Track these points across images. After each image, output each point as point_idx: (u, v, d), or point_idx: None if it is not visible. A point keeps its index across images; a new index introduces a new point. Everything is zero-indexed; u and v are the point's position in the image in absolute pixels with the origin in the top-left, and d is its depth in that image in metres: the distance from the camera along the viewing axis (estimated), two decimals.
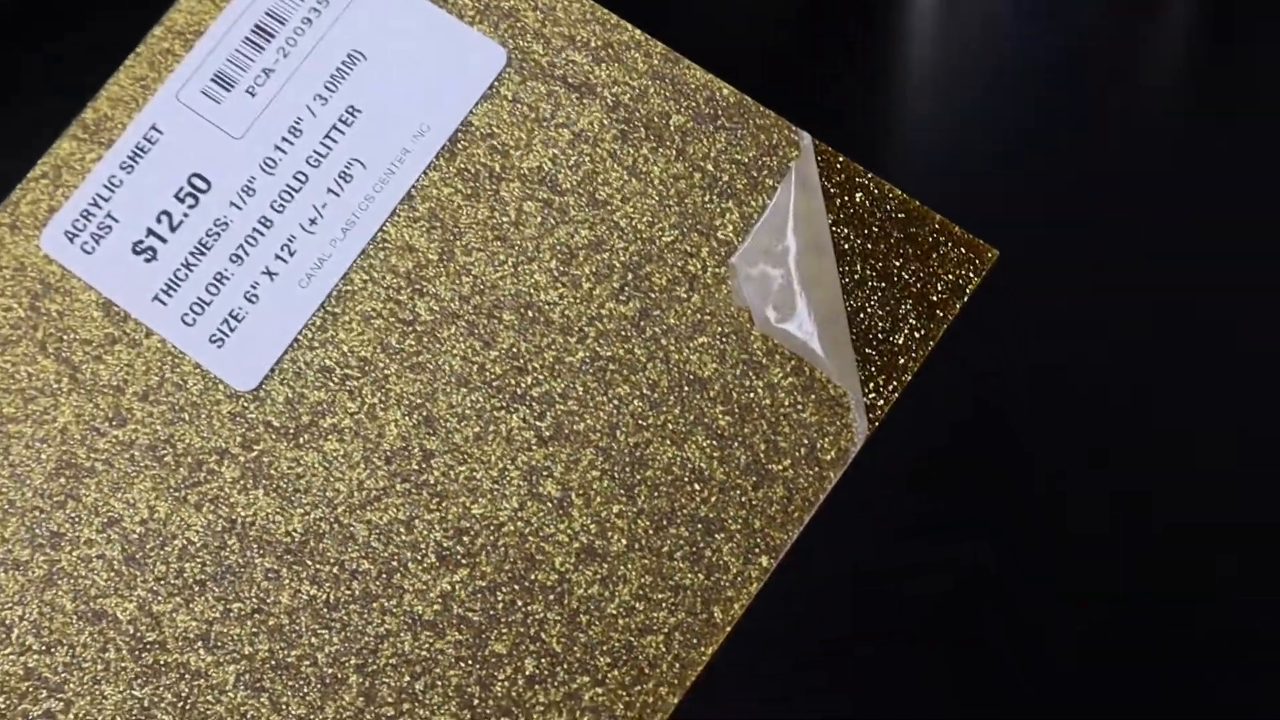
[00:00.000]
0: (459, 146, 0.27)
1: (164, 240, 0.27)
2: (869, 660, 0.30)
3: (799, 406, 0.26)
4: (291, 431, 0.26)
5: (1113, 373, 0.34)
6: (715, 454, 0.25)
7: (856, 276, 0.26)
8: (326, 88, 0.27)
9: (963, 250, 0.26)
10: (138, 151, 0.27)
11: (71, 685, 0.25)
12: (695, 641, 0.25)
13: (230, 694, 0.25)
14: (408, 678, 0.25)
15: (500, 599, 0.25)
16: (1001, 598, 0.32)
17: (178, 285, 0.27)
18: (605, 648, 0.25)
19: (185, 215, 0.27)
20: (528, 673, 0.25)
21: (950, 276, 0.26)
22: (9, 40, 0.30)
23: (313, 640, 0.25)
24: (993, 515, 0.33)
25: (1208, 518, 0.33)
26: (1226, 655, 0.32)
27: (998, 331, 0.34)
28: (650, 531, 0.25)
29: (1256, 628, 0.32)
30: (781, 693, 0.31)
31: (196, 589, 0.25)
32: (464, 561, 0.25)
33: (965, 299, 0.26)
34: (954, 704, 0.31)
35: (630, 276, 0.26)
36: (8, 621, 0.25)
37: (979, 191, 0.36)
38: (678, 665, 0.25)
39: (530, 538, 0.25)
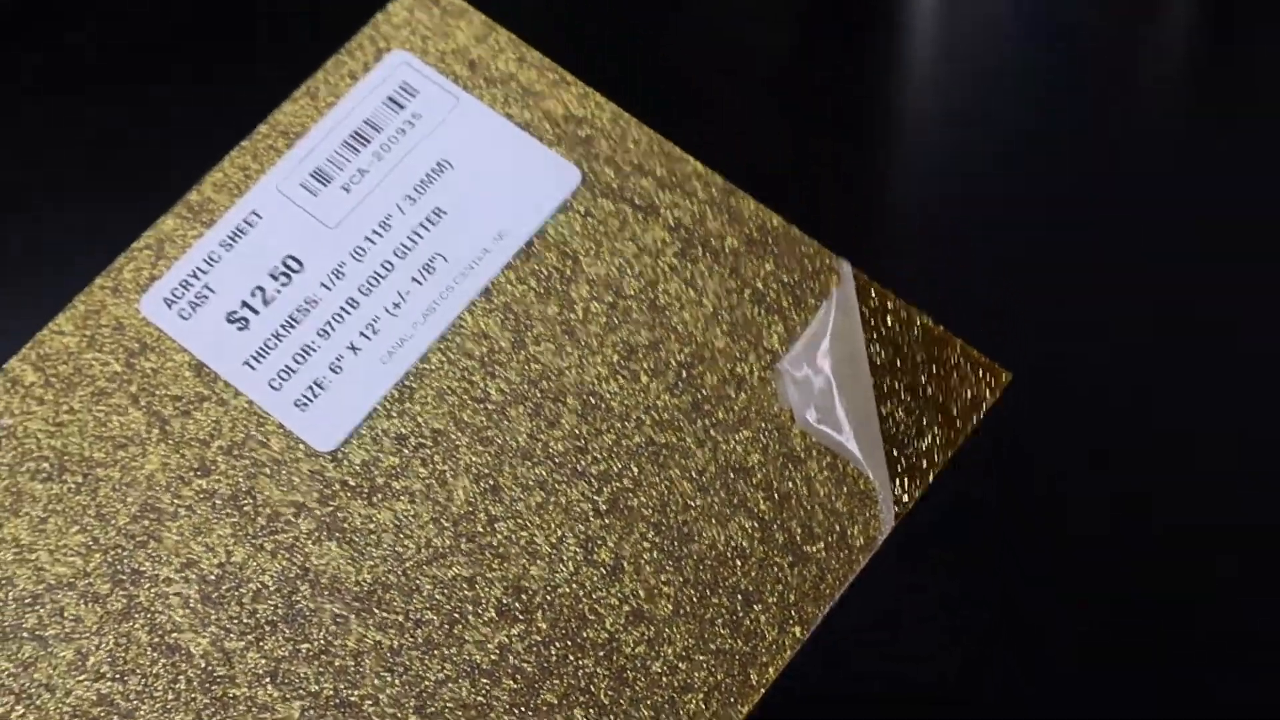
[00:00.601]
0: (534, 250, 0.33)
1: (256, 312, 0.32)
2: (866, 661, 0.33)
3: (833, 497, 0.31)
4: (366, 491, 0.31)
5: (1113, 373, 0.38)
6: (756, 534, 0.31)
7: (886, 389, 0.32)
8: (415, 190, 0.33)
9: (980, 372, 0.32)
10: (237, 232, 0.33)
11: (142, 712, 0.29)
12: (732, 700, 0.30)
13: None
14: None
15: (554, 653, 0.30)
16: (1001, 598, 0.35)
17: (267, 353, 0.32)
18: (649, 702, 0.30)
19: (278, 291, 0.32)
20: None
21: (969, 394, 0.32)
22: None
23: (375, 682, 0.29)
24: (993, 515, 0.36)
25: (1207, 518, 0.35)
26: (1226, 655, 0.34)
27: (996, 331, 0.38)
28: (695, 600, 0.30)
29: (1256, 628, 0.35)
30: None
31: (268, 629, 0.30)
32: (521, 617, 0.30)
33: (982, 414, 0.32)
34: (954, 704, 0.34)
35: (684, 374, 0.32)
36: (84, 650, 0.29)
37: (979, 192, 0.41)
38: None
39: (584, 599, 0.30)
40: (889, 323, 0.32)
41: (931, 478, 0.31)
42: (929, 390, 0.32)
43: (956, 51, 0.40)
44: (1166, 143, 0.41)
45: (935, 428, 0.31)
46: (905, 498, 0.31)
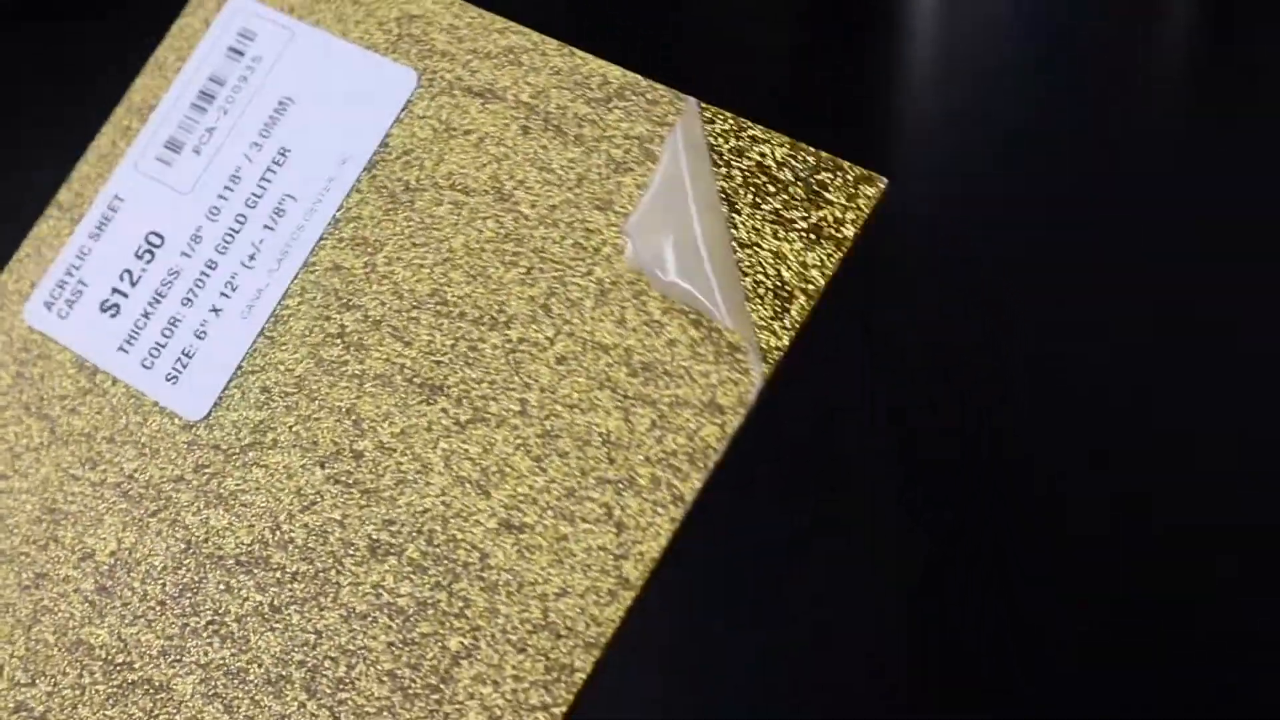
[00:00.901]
0: (378, 167, 0.32)
1: (126, 295, 0.33)
2: (866, 660, 0.31)
3: (699, 358, 0.29)
4: (237, 451, 0.31)
5: (1113, 373, 0.36)
6: (620, 416, 0.29)
7: (748, 224, 0.29)
8: (260, 135, 0.33)
9: (852, 180, 0.29)
10: (104, 220, 0.34)
11: (53, 714, 0.30)
12: (609, 600, 0.28)
13: (190, 704, 0.30)
14: (344, 668, 0.29)
15: (426, 581, 0.29)
16: (1002, 598, 0.33)
17: (138, 334, 0.33)
18: (525, 615, 0.28)
19: (144, 270, 0.33)
20: (453, 650, 0.28)
21: (843, 209, 0.29)
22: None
23: (259, 643, 0.30)
24: (993, 515, 0.34)
25: (1207, 518, 0.34)
26: (1226, 655, 0.32)
27: (997, 332, 0.36)
28: (563, 498, 0.29)
29: (1256, 628, 0.32)
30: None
31: (158, 609, 0.31)
32: (393, 551, 0.29)
33: (859, 230, 0.29)
34: (954, 704, 0.32)
35: (537, 260, 0.30)
36: (0, 661, 0.31)
37: (978, 191, 0.38)
38: (595, 625, 0.28)
39: (452, 520, 0.29)
40: (749, 152, 0.30)
41: (803, 316, 0.29)
42: (796, 215, 0.29)
43: (955, 51, 0.37)
44: (1166, 142, 0.38)
45: (816, 243, 0.29)
46: (776, 344, 0.29)
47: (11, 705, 0.31)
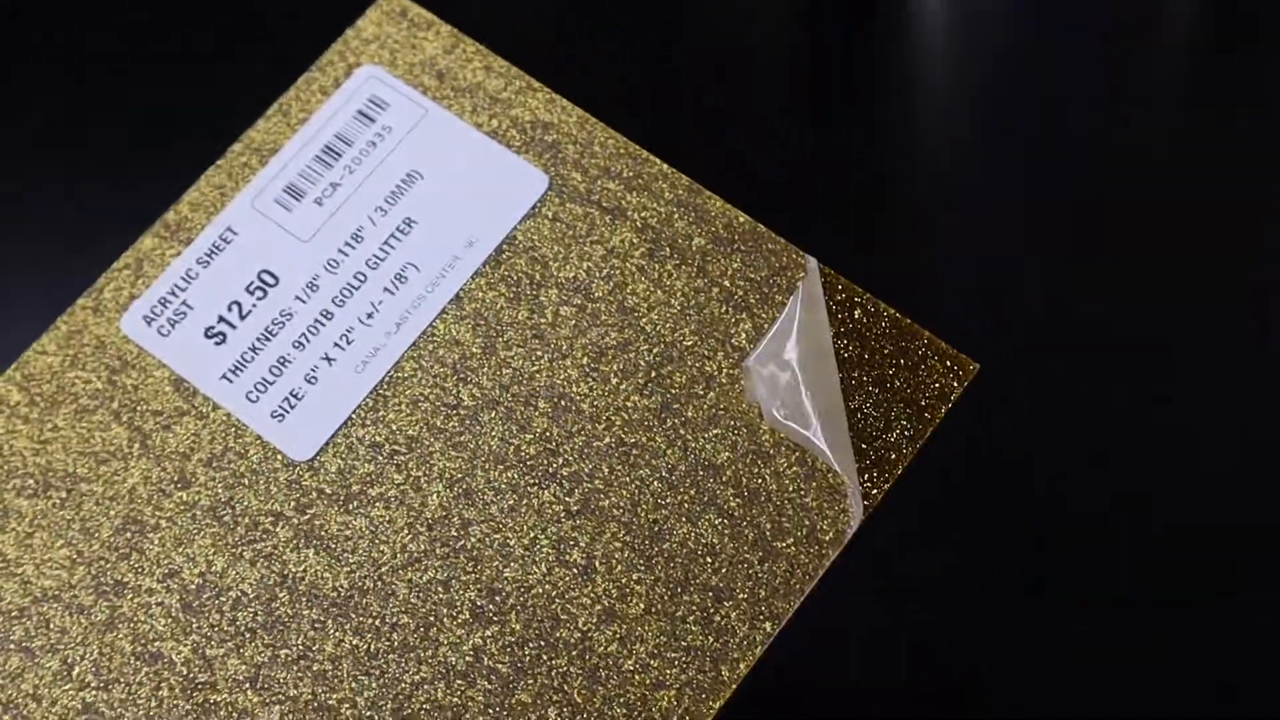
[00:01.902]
0: (504, 256, 0.34)
1: (234, 327, 0.34)
2: (864, 661, 0.34)
3: (802, 492, 0.33)
4: (341, 498, 0.32)
5: (1112, 373, 0.39)
6: (726, 531, 0.32)
7: (854, 382, 0.33)
8: (386, 201, 0.35)
9: (948, 363, 0.34)
10: (214, 249, 0.34)
11: (126, 719, 0.31)
12: (704, 696, 0.31)
13: None
14: None
15: (528, 653, 0.31)
16: (1002, 598, 0.36)
17: (244, 366, 0.34)
18: (622, 700, 0.31)
19: (254, 306, 0.34)
20: None
21: (937, 385, 0.33)
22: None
23: (352, 685, 0.31)
24: (992, 515, 0.37)
25: (1207, 518, 0.36)
26: (1226, 655, 0.35)
27: (997, 332, 0.39)
28: (666, 597, 0.32)
29: (1256, 628, 0.35)
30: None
31: (247, 636, 0.32)
32: (495, 619, 0.32)
33: (950, 405, 0.33)
34: (953, 704, 0.35)
35: (654, 374, 0.33)
36: (69, 660, 0.31)
37: (978, 193, 0.42)
38: (687, 718, 0.31)
39: (557, 599, 0.32)
40: (856, 316, 0.34)
41: (900, 470, 0.33)
42: (896, 383, 0.33)
43: (957, 51, 0.40)
44: (1166, 143, 0.41)
45: (904, 420, 0.33)
46: (875, 490, 0.32)
47: (79, 705, 0.31)
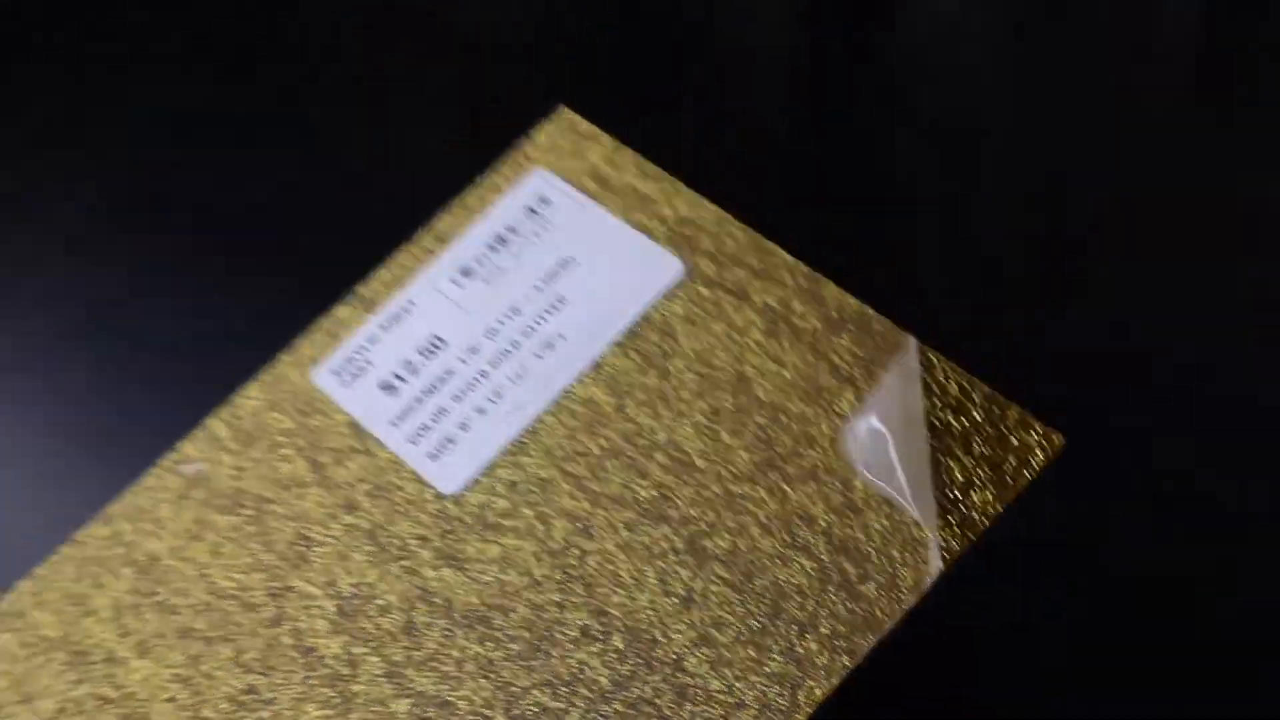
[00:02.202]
0: (639, 329, 0.39)
1: (405, 381, 0.39)
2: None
3: (888, 544, 0.36)
4: (480, 528, 0.37)
5: (1110, 374, 0.39)
6: (815, 574, 0.36)
7: (943, 448, 0.37)
8: (543, 282, 0.40)
9: (1034, 435, 0.36)
10: (395, 318, 0.40)
11: (280, 702, 0.36)
12: (780, 718, 0.34)
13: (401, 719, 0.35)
14: None
15: (625, 669, 0.35)
16: (1001, 598, 0.36)
17: (410, 414, 0.39)
18: (705, 716, 0.35)
19: (423, 364, 0.39)
20: None
21: (1022, 455, 0.36)
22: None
23: (471, 685, 0.35)
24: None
25: (1210, 518, 0.36)
26: (1227, 655, 0.35)
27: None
28: (755, 629, 0.35)
29: (1256, 629, 0.35)
30: None
31: (388, 639, 0.36)
32: (600, 638, 0.35)
33: (1035, 474, 0.36)
34: (952, 706, 0.36)
35: (762, 434, 0.37)
36: (240, 648, 0.37)
37: (977, 194, 0.44)
38: None
39: (657, 626, 0.35)
40: (950, 389, 0.37)
41: (980, 529, 0.36)
42: (983, 450, 0.36)
43: (961, 50, 0.41)
44: (1167, 142, 0.41)
45: (988, 486, 0.36)
46: (955, 546, 0.35)
47: (244, 686, 0.36)
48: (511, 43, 0.45)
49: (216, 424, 0.39)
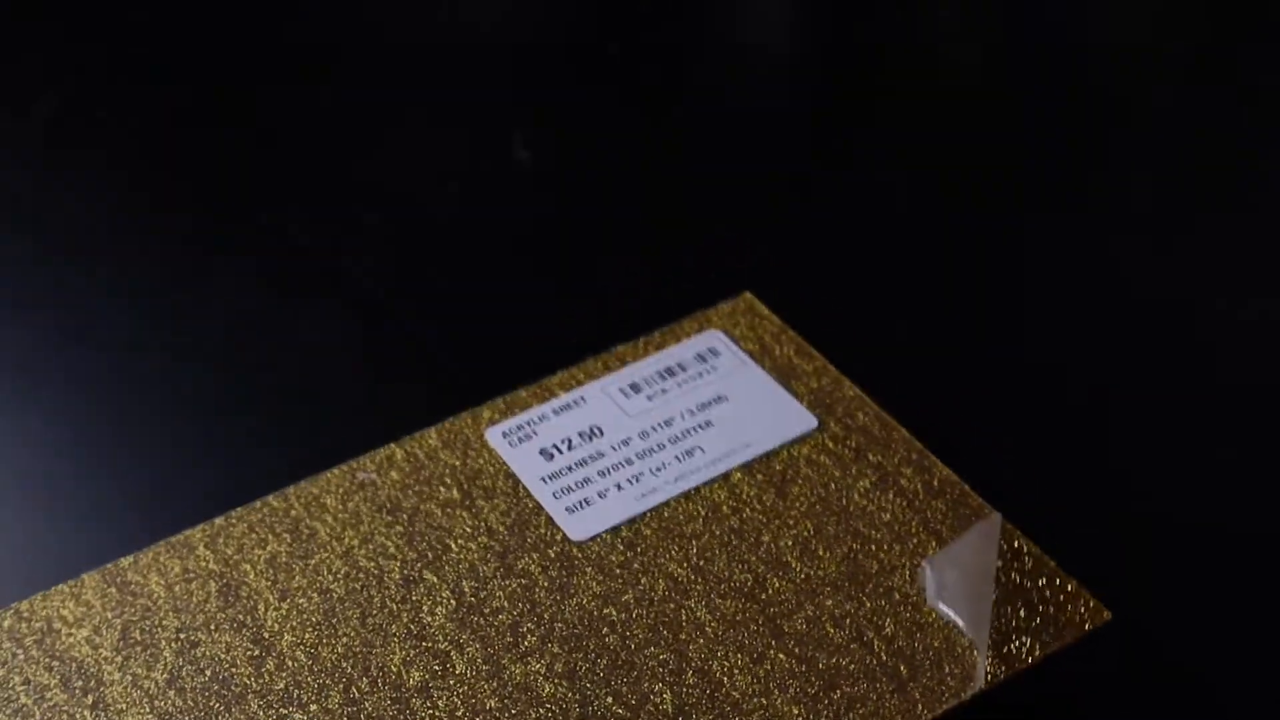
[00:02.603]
0: (768, 461, 0.46)
1: (561, 452, 0.46)
2: None
3: (942, 659, 0.41)
4: (592, 569, 0.43)
5: (1109, 375, 0.44)
6: (875, 667, 0.41)
7: (1005, 596, 0.42)
8: (696, 408, 0.47)
9: (1083, 607, 0.42)
10: (565, 407, 0.47)
11: (390, 664, 0.41)
12: None
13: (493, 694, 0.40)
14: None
15: (689, 698, 0.40)
16: None
17: (559, 476, 0.45)
18: None
19: (580, 443, 0.46)
20: None
21: (1072, 619, 0.42)
22: None
23: (556, 691, 0.41)
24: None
25: (1208, 518, 0.40)
26: (1227, 657, 0.38)
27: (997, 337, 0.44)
28: (813, 694, 0.40)
29: (1257, 632, 0.38)
30: None
31: (494, 635, 0.42)
32: (674, 672, 0.41)
33: (1079, 636, 0.41)
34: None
35: (854, 558, 0.43)
36: (377, 624, 0.42)
37: (976, 194, 0.47)
38: None
39: (725, 678, 0.41)
40: (1021, 556, 0.43)
41: (1018, 666, 0.41)
42: (1038, 606, 0.42)
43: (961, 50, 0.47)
44: (1165, 143, 0.46)
45: (1037, 635, 0.41)
46: (997, 673, 0.40)
47: (361, 642, 0.41)
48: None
49: (395, 449, 0.46)
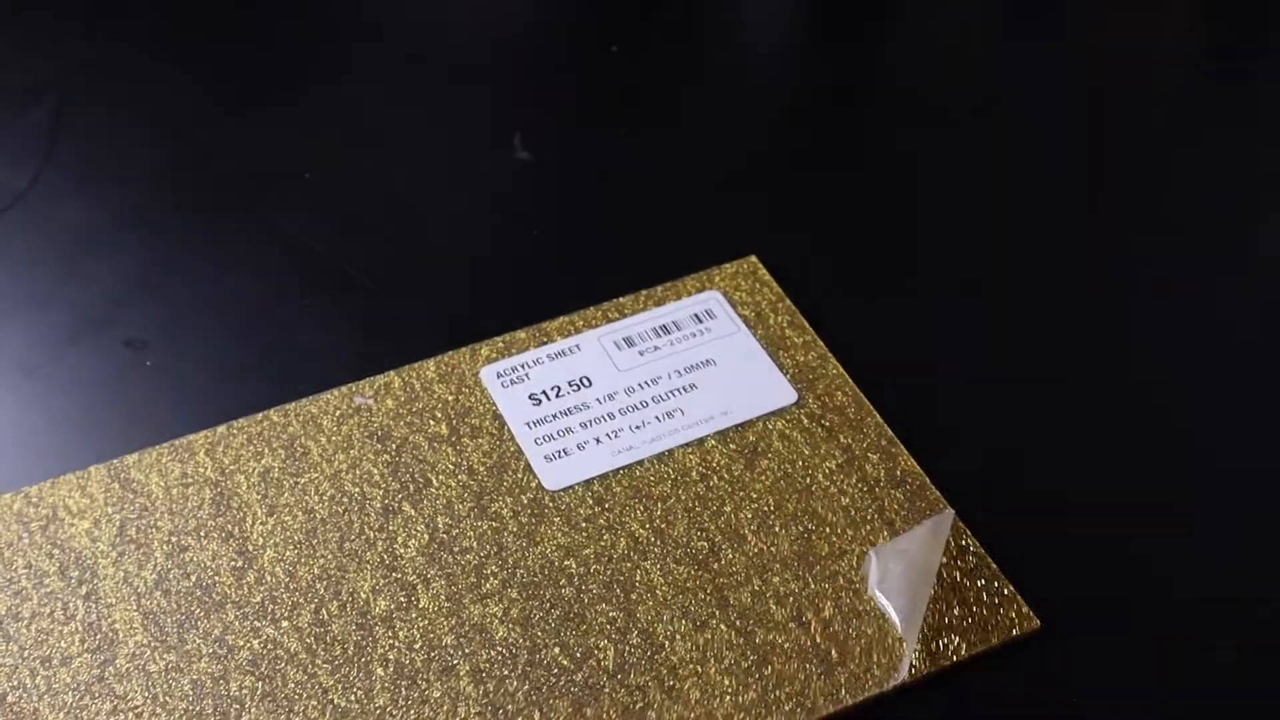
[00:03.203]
0: (743, 430, 0.48)
1: (548, 399, 0.49)
2: None
3: (872, 647, 0.43)
4: (561, 520, 0.46)
5: (1106, 376, 0.46)
6: (808, 646, 0.43)
7: (944, 596, 0.44)
8: (684, 369, 0.49)
9: (1015, 612, 0.44)
10: (560, 354, 0.50)
11: (361, 590, 0.44)
12: None
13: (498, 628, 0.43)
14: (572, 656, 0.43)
15: (630, 647, 0.43)
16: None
17: (542, 423, 0.48)
18: (680, 716, 0.42)
19: (567, 392, 0.49)
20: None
21: (1002, 623, 0.44)
22: None
23: (508, 620, 0.44)
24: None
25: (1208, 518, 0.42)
26: (1227, 658, 0.40)
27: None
28: (746, 667, 0.43)
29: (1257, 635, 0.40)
30: None
31: (458, 572, 0.45)
32: (620, 628, 0.44)
33: (1006, 639, 0.44)
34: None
35: (807, 537, 0.46)
36: (355, 536, 0.45)
37: (975, 195, 0.50)
38: None
39: (668, 624, 0.43)
40: (966, 555, 0.45)
41: (944, 664, 0.43)
42: (973, 608, 0.44)
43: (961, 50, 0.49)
44: (1167, 143, 0.50)
45: (965, 635, 0.44)
46: (922, 668, 0.43)
47: (337, 566, 0.45)
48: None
49: (394, 377, 0.49)
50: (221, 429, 0.48)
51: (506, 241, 0.53)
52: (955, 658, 0.43)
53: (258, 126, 0.59)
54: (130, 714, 0.41)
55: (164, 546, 0.45)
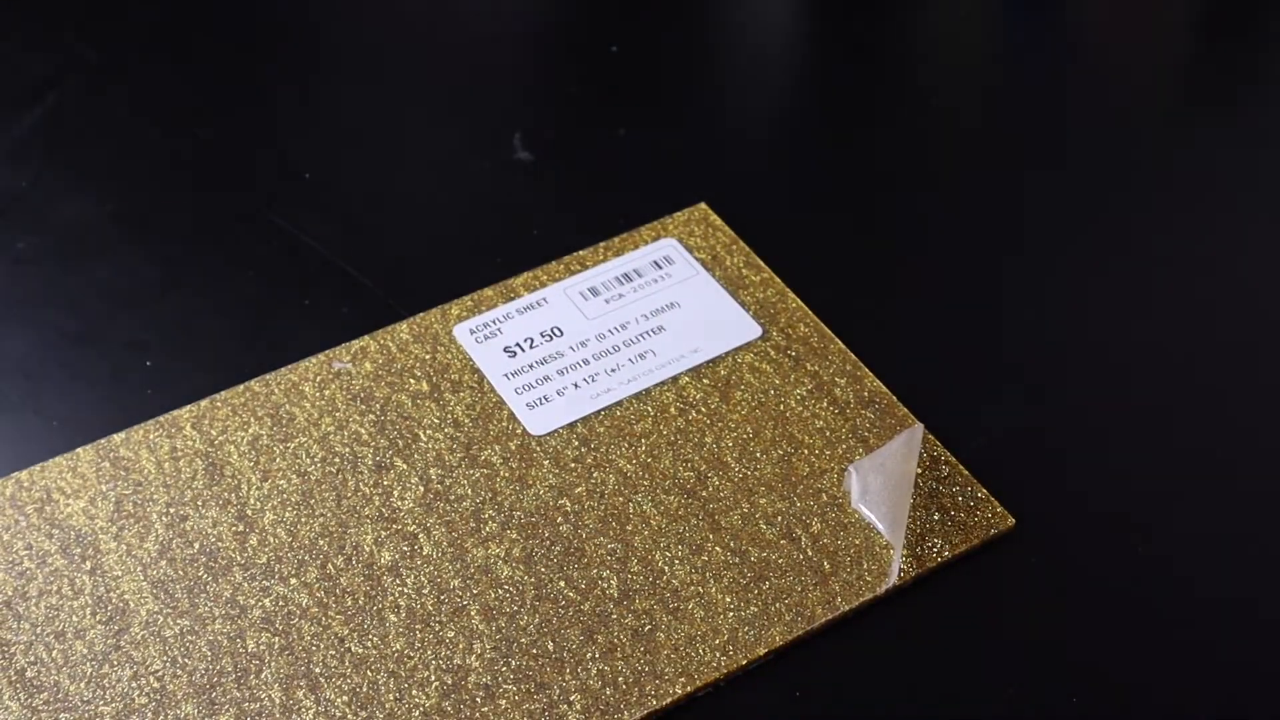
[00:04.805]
0: (713, 366, 0.51)
1: (523, 350, 0.51)
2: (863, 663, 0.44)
3: (861, 556, 0.46)
4: (546, 461, 0.48)
5: (1104, 377, 0.48)
6: (801, 560, 0.46)
7: (922, 504, 0.47)
8: (650, 314, 0.52)
9: (991, 511, 0.47)
10: (529, 307, 0.52)
11: (365, 543, 0.46)
12: (752, 642, 0.44)
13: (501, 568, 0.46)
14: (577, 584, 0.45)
15: (630, 577, 0.45)
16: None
17: (520, 374, 0.50)
18: (689, 635, 0.45)
19: (540, 343, 0.51)
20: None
21: (978, 522, 0.47)
22: None
23: (510, 557, 0.46)
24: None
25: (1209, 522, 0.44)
26: (1228, 660, 0.42)
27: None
28: (741, 586, 0.45)
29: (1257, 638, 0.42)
30: None
31: (457, 519, 0.47)
32: (617, 558, 0.46)
33: (985, 539, 0.47)
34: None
35: (787, 460, 0.48)
36: (351, 490, 0.47)
37: (975, 195, 0.53)
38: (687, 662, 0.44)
39: (662, 561, 0.46)
40: (939, 465, 0.48)
41: (931, 565, 0.46)
42: (951, 512, 0.47)
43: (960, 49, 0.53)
44: (1165, 144, 0.53)
45: (947, 537, 0.47)
46: (910, 571, 0.46)
47: (337, 522, 0.46)
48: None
49: (370, 341, 0.51)
50: (204, 402, 0.49)
51: (507, 241, 0.55)
52: (940, 559, 0.46)
53: (257, 126, 0.60)
54: (151, 678, 0.43)
55: (163, 518, 0.46)
